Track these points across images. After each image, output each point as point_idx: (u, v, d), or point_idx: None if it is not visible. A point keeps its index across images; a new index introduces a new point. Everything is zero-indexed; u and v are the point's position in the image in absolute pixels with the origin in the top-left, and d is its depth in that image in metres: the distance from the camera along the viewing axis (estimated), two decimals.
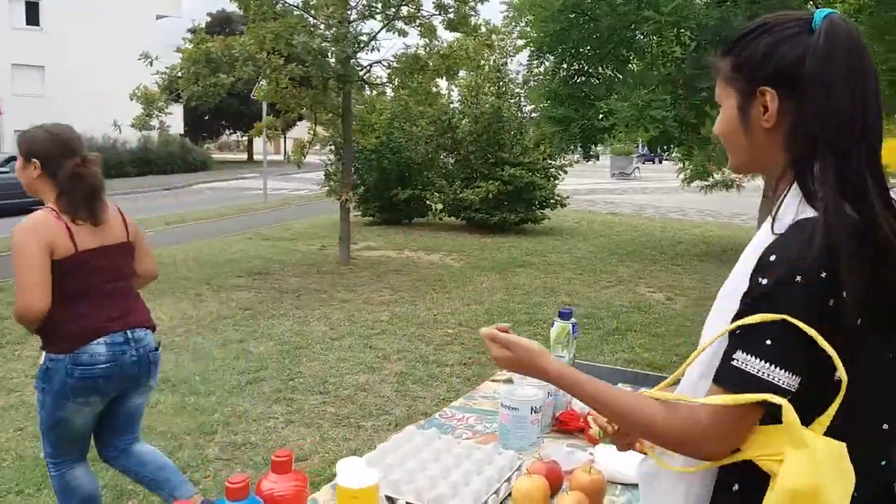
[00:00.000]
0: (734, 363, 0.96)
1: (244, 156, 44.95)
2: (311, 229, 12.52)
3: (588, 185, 25.38)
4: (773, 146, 1.05)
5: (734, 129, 1.09)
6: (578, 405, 1.96)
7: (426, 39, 8.56)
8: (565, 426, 1.93)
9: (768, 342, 0.93)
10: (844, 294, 0.92)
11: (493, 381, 2.35)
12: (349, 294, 7.39)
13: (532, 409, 1.80)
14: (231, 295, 7.29)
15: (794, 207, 0.99)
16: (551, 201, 12.67)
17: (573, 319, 2.19)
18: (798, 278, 0.91)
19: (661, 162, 49.93)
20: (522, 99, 12.86)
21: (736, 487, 1.03)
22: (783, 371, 0.93)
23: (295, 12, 8.01)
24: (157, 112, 7.87)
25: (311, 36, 7.15)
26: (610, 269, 9.07)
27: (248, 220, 14.11)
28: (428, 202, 13.49)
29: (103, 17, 27.35)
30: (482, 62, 10.95)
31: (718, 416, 0.97)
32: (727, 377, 0.96)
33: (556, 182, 12.89)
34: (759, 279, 0.95)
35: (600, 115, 3.79)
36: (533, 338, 4.50)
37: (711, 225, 14.46)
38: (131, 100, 7.84)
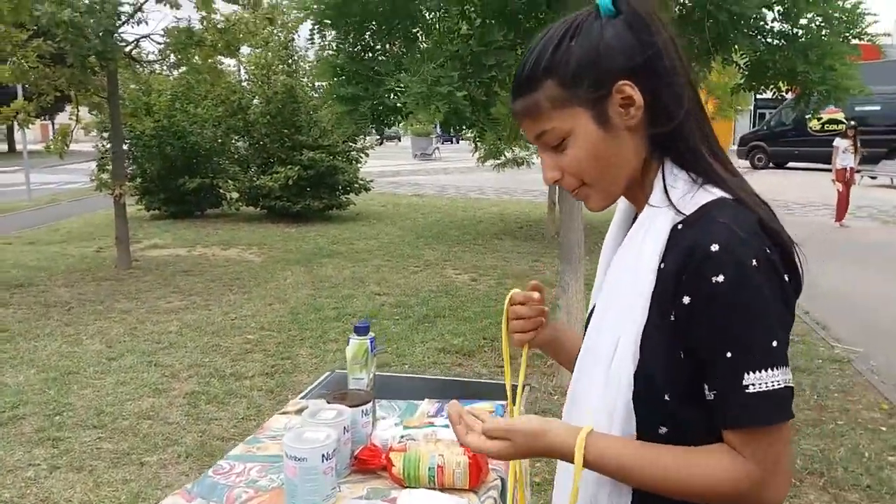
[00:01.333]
0: (750, 390, 0.85)
1: (3, 146, 39.33)
2: (86, 229, 11.09)
3: (392, 166, 25.36)
4: (638, 143, 0.96)
5: (601, 148, 0.95)
6: (379, 438, 1.68)
7: (202, 13, 7.77)
8: (366, 465, 1.64)
9: (774, 344, 0.85)
10: (787, 273, 0.89)
11: (284, 413, 2.00)
12: (131, 303, 6.54)
13: (323, 456, 1.48)
14: None
15: (680, 187, 0.93)
16: (355, 185, 12.32)
17: (371, 334, 1.91)
18: (754, 262, 0.84)
19: (458, 142, 51.53)
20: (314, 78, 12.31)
21: None
22: (787, 366, 0.87)
23: None
24: None
25: (59, 6, 6.11)
26: (417, 254, 8.98)
27: (8, 221, 12.20)
28: (221, 191, 12.53)
29: None
30: (269, 38, 10.27)
31: (767, 455, 0.87)
32: (750, 413, 0.85)
33: (359, 165, 12.56)
34: (713, 277, 0.84)
35: (390, 94, 3.52)
36: (342, 335, 4.12)
37: (507, 202, 15.04)
38: None
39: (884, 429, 3.95)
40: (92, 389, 4.43)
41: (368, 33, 3.89)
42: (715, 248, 0.84)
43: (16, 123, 8.21)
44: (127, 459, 3.54)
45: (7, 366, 4.85)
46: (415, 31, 3.88)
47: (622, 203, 1.08)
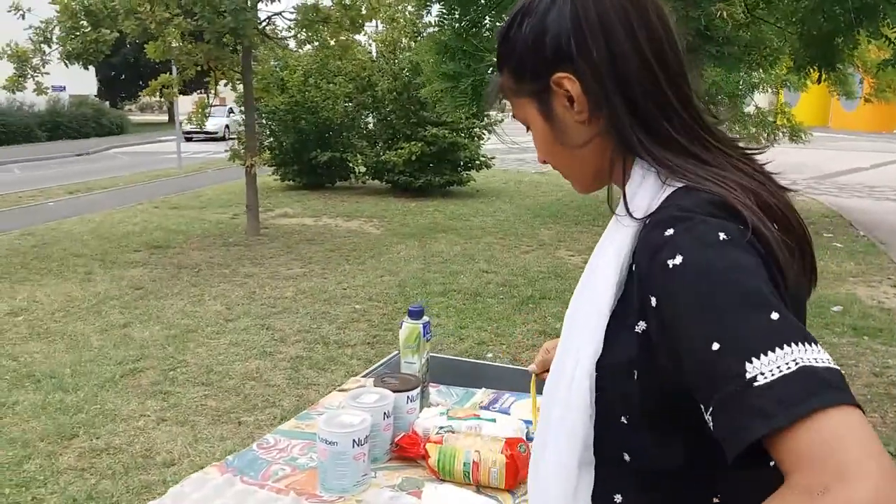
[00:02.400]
0: (759, 381, 0.59)
1: (166, 117, 42.86)
2: (225, 196, 11.85)
3: (522, 143, 25.15)
4: (599, 136, 0.83)
5: (551, 141, 0.86)
6: (421, 427, 1.63)
7: None
8: (405, 452, 1.60)
9: (775, 316, 0.63)
10: (769, 253, 0.71)
11: (342, 390, 2.00)
12: (254, 268, 6.92)
13: (354, 441, 1.45)
14: (124, 272, 6.73)
15: (648, 187, 0.79)
16: (476, 162, 12.31)
17: (425, 318, 1.86)
18: (722, 235, 0.69)
19: None
20: None
21: None
22: (809, 340, 0.62)
23: None
24: (31, 72, 7.09)
25: None
26: (531, 233, 8.83)
27: (159, 187, 13.30)
28: (350, 164, 12.94)
29: None
30: (396, 14, 10.38)
31: (823, 452, 0.56)
32: (771, 410, 0.58)
33: (482, 142, 12.51)
34: (669, 261, 0.69)
35: (490, 70, 3.42)
36: (445, 310, 4.10)
37: None
38: (0, 58, 7.04)
39: None
40: (206, 349, 4.73)
41: (474, 9, 3.79)
42: (670, 231, 0.71)
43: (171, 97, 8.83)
44: (227, 417, 3.75)
45: (137, 321, 5.27)
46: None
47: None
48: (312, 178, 12.72)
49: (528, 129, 0.90)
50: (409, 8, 11.19)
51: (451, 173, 12.11)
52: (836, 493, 0.54)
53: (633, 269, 0.77)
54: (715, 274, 0.66)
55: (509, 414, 1.72)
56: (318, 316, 5.45)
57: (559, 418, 0.83)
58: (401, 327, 1.86)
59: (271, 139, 12.38)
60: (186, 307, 5.63)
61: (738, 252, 0.67)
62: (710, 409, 0.63)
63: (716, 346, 0.63)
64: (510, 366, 3.91)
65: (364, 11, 7.38)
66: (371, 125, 13.07)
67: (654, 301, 0.71)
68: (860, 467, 0.54)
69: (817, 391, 0.58)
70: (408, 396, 1.68)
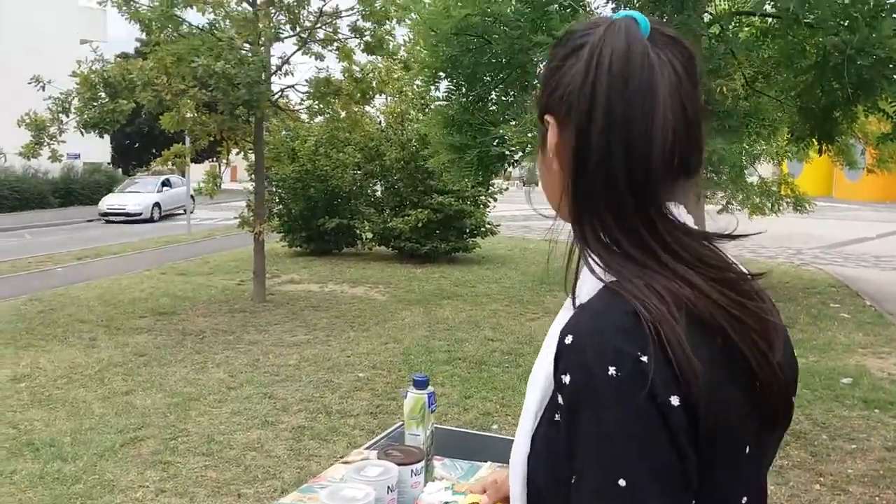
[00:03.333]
0: None
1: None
2: (232, 262, 11.93)
3: (525, 211, 25.38)
4: (565, 188, 0.78)
5: (539, 165, 0.86)
6: (427, 502, 1.60)
7: (344, 63, 8.25)
8: None
9: (621, 483, 0.64)
10: (675, 395, 0.66)
11: (345, 462, 1.97)
12: (259, 335, 6.90)
13: None
14: (129, 339, 6.72)
15: (590, 275, 0.74)
16: (482, 229, 12.43)
17: (430, 388, 1.85)
18: (612, 370, 0.65)
19: None
20: None
21: None
22: None
23: (199, 34, 7.56)
24: (48, 139, 7.28)
25: (214, 59, 6.71)
26: (537, 300, 8.82)
27: (167, 253, 13.41)
28: (357, 231, 13.08)
29: (26, 38, 26.10)
30: (404, 87, 10.69)
31: None
32: None
33: (487, 209, 12.67)
34: (562, 376, 0.69)
35: (496, 142, 3.50)
36: (450, 379, 4.06)
37: None
38: (18, 126, 7.24)
39: None
40: (208, 417, 4.67)
41: (480, 85, 3.91)
42: (568, 339, 0.69)
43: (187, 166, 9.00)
44: (227, 489, 3.67)
45: (140, 389, 5.24)
46: (526, 79, 3.86)
47: None
48: (320, 244, 12.85)
49: None
50: (417, 82, 11.53)
51: (457, 240, 12.22)
52: None
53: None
54: (586, 414, 0.66)
55: None
56: (321, 384, 5.40)
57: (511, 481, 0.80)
58: (405, 397, 1.85)
59: (280, 206, 12.57)
60: (189, 374, 5.60)
61: (619, 395, 0.65)
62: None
63: (574, 479, 0.68)
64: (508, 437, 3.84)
65: (374, 85, 7.61)
66: (379, 193, 13.27)
67: (559, 398, 0.71)
68: None
69: None
70: (412, 470, 1.65)
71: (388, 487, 1.56)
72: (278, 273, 10.61)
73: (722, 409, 0.68)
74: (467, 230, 12.33)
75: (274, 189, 12.43)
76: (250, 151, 8.48)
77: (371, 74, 7.58)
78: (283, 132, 11.99)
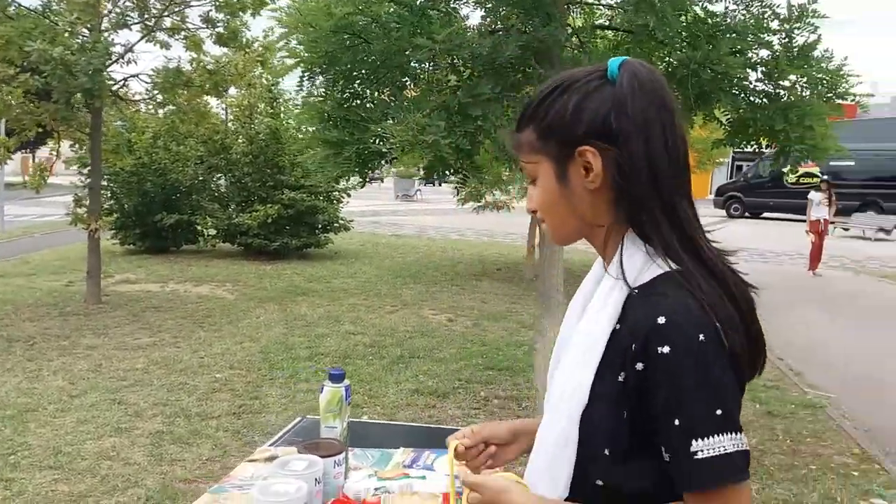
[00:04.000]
0: (698, 456, 0.87)
1: None
2: (57, 262, 10.87)
3: (373, 206, 25.41)
4: (599, 206, 1.00)
5: (555, 198, 1.02)
6: (352, 490, 1.61)
7: (192, 54, 7.81)
8: None
9: (719, 412, 0.88)
10: (731, 346, 0.90)
11: (251, 461, 1.92)
12: (98, 339, 6.38)
13: None
14: None
15: (638, 260, 0.96)
16: (335, 225, 12.30)
17: (346, 381, 1.85)
18: (701, 337, 0.88)
19: (440, 184, 51.88)
20: None
21: None
22: (741, 434, 0.89)
23: (32, 17, 6.82)
24: None
25: (51, 43, 6.09)
26: (394, 293, 8.92)
27: None
28: (199, 227, 12.43)
29: None
30: (254, 80, 10.33)
31: None
32: (701, 478, 0.88)
33: (340, 205, 12.56)
34: (659, 348, 0.89)
35: (375, 139, 3.52)
36: (314, 375, 4.05)
37: (487, 244, 15.08)
38: None
39: (855, 473, 3.94)
40: (50, 428, 4.27)
41: (357, 82, 3.91)
42: (661, 320, 0.89)
43: None
44: (83, 502, 3.40)
45: None
46: (403, 80, 3.91)
47: (599, 259, 1.12)
48: (156, 241, 12.06)
49: (532, 181, 1.05)
50: (266, 75, 11.16)
51: (309, 236, 11.99)
52: None
53: (618, 328, 0.95)
54: (687, 371, 0.88)
55: (434, 470, 1.74)
56: (176, 388, 5.11)
57: (547, 451, 1.01)
58: (321, 392, 1.84)
59: (112, 201, 11.65)
60: (23, 384, 5.07)
61: (708, 353, 0.88)
62: (668, 453, 0.90)
63: (677, 422, 0.88)
64: (423, 425, 3.93)
65: (228, 77, 7.28)
66: (223, 187, 12.69)
67: (640, 366, 0.91)
68: None
69: (734, 471, 0.88)
70: (335, 461, 1.66)
71: (316, 479, 1.56)
72: (111, 273, 9.83)
73: (747, 348, 0.93)
74: (319, 226, 12.14)
75: (105, 183, 11.48)
76: (85, 143, 7.77)
77: (226, 67, 7.23)
78: (118, 122, 11.11)
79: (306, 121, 3.98)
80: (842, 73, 4.13)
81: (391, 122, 3.45)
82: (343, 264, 11.43)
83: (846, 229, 18.77)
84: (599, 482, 0.95)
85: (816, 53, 4.12)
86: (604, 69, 0.98)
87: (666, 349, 0.88)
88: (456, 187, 9.24)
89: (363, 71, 3.79)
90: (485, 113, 3.63)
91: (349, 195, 12.92)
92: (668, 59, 4.33)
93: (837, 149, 4.04)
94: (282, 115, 12.19)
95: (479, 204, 10.66)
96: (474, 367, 5.68)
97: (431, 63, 3.94)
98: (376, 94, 3.95)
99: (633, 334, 0.92)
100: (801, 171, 21.13)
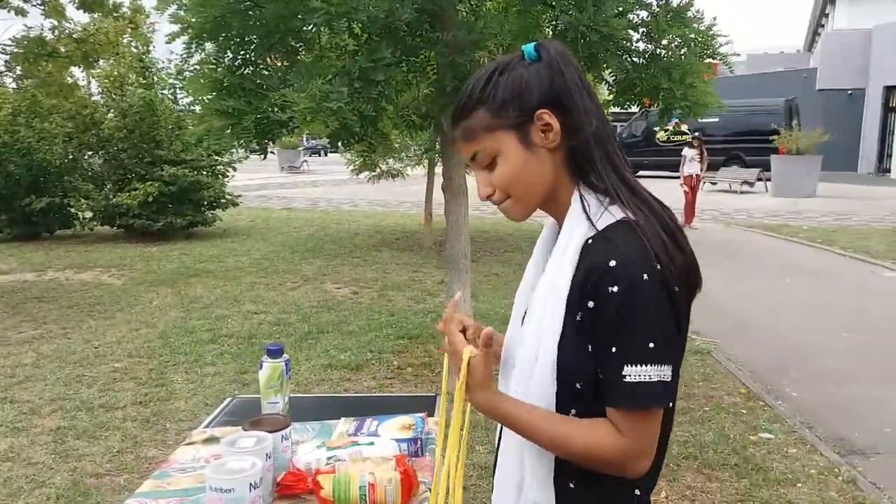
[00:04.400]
0: (627, 380, 1.00)
1: None
2: None
3: (258, 180, 24.67)
4: (556, 165, 1.12)
5: (522, 166, 1.11)
6: (302, 462, 1.63)
7: (52, 21, 7.22)
8: (291, 490, 1.59)
9: (651, 345, 1.00)
10: (675, 285, 1.03)
11: (190, 444, 1.89)
12: None
13: (251, 485, 1.42)
14: None
15: (594, 207, 1.08)
16: (222, 201, 11.84)
17: (285, 356, 1.85)
18: (645, 277, 0.99)
19: (327, 154, 50.94)
20: (178, 91, 11.73)
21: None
22: (668, 366, 1.02)
23: None
24: None
25: None
26: (293, 269, 8.76)
27: None
28: (73, 210, 11.62)
29: None
30: (122, 49, 9.67)
31: (637, 433, 1.03)
32: (626, 398, 1.01)
33: (226, 180, 12.09)
34: (609, 287, 1.00)
35: (275, 108, 3.43)
36: (221, 357, 3.98)
37: (382, 214, 15.02)
38: None
39: (744, 411, 4.33)
40: None
41: (250, 47, 3.77)
42: (613, 263, 1.01)
43: None
44: None
45: None
46: (297, 45, 3.80)
47: (548, 221, 1.24)
48: (26, 227, 11.19)
49: (488, 165, 1.14)
50: (137, 43, 10.49)
51: (195, 213, 11.50)
52: (633, 456, 1.04)
53: (576, 273, 1.06)
54: (631, 308, 1.00)
55: (379, 436, 1.78)
56: (72, 381, 4.84)
57: (524, 383, 1.11)
58: (260, 368, 1.82)
59: None
60: None
61: (652, 292, 1.00)
62: (603, 375, 1.04)
63: (614, 349, 1.02)
64: (358, 395, 3.92)
65: (99, 46, 6.79)
66: (97, 166, 11.89)
67: (591, 304, 1.03)
68: (649, 447, 1.05)
69: (654, 398, 1.01)
70: (282, 436, 1.67)
71: (267, 455, 1.56)
72: None
73: (684, 292, 1.06)
74: (205, 202, 11.65)
75: None
76: None
77: (95, 35, 6.74)
78: None
79: (197, 91, 3.80)
80: (712, 33, 4.43)
81: (291, 89, 3.36)
82: (235, 242, 11.08)
83: (714, 183, 20.14)
84: (573, 412, 1.08)
85: (690, 14, 4.40)
86: (521, 55, 1.12)
87: (615, 288, 1.00)
88: (350, 153, 9.13)
89: (254, 36, 3.65)
90: (387, 77, 3.62)
91: (235, 169, 12.48)
92: (556, 22, 4.47)
93: (718, 104, 4.34)
94: (156, 85, 11.53)
95: (373, 173, 10.59)
96: (385, 337, 5.72)
97: (328, 27, 3.86)
98: (268, 60, 3.83)
99: (588, 277, 1.03)
100: (671, 129, 22.45)
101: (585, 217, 1.07)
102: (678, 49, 4.37)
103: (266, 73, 3.77)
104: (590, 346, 1.04)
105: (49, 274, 8.64)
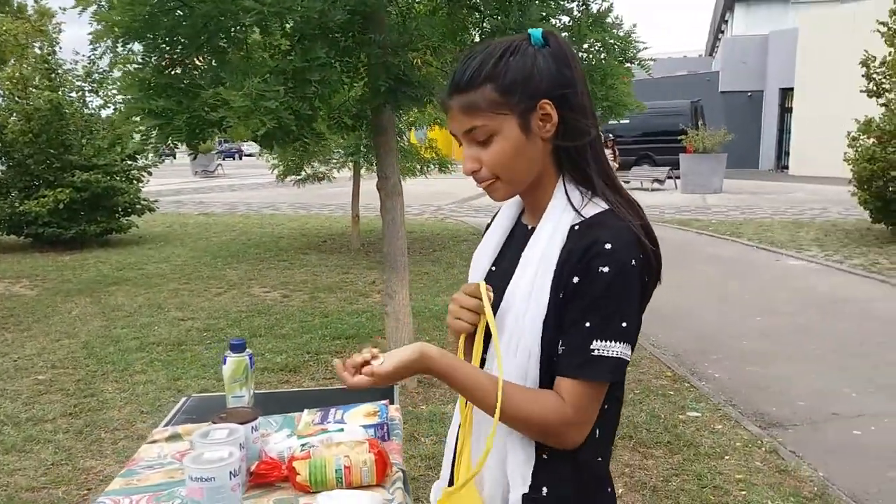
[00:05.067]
0: (594, 353, 1.06)
1: None
2: None
3: (172, 185, 23.85)
4: (546, 153, 1.16)
5: (518, 150, 1.13)
6: (275, 451, 1.66)
7: None
8: (265, 478, 1.62)
9: (623, 325, 1.07)
10: (646, 275, 1.12)
11: (153, 442, 1.88)
12: None
13: (231, 473, 1.44)
14: None
15: (577, 197, 1.15)
16: (137, 206, 11.42)
17: (249, 350, 1.87)
18: (633, 262, 1.07)
19: (241, 158, 49.73)
20: (87, 93, 11.22)
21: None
22: (629, 347, 1.09)
23: None
24: None
25: None
26: (218, 274, 8.57)
27: None
28: None
29: None
30: (27, 51, 9.20)
31: (582, 404, 1.08)
32: (587, 369, 1.07)
33: (141, 185, 11.67)
34: (600, 267, 1.06)
35: (207, 108, 3.40)
36: (151, 365, 3.92)
37: (305, 217, 14.85)
38: None
39: (671, 392, 4.59)
40: None
41: (179, 47, 3.70)
42: (608, 246, 1.07)
43: None
44: None
45: None
46: (225, 45, 3.76)
47: (506, 207, 1.31)
48: None
49: (483, 140, 1.13)
50: (46, 43, 9.98)
51: (109, 220, 11.05)
52: (574, 425, 1.09)
53: (561, 256, 1.11)
54: (616, 289, 1.07)
55: (346, 423, 1.83)
56: None
57: (511, 360, 1.14)
58: (224, 363, 1.84)
59: None
60: None
61: (634, 277, 1.08)
62: (565, 346, 1.09)
63: (588, 324, 1.08)
64: (320, 388, 3.89)
65: (8, 49, 6.45)
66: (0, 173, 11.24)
67: (575, 279, 1.08)
68: (589, 418, 1.11)
69: (612, 373, 1.08)
70: (252, 427, 1.69)
71: (240, 445, 1.59)
72: None
73: (653, 279, 1.16)
74: (120, 208, 11.22)
75: None
76: None
77: (4, 37, 6.40)
78: None
79: (125, 89, 3.71)
80: (630, 39, 4.67)
81: (224, 88, 3.34)
82: (152, 249, 10.73)
83: (627, 182, 20.95)
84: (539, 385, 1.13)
85: (609, 20, 4.62)
86: (527, 36, 1.13)
87: (606, 269, 1.06)
88: (270, 157, 8.98)
89: (180, 37, 3.59)
90: (322, 77, 3.64)
91: (150, 173, 12.07)
92: (483, 24, 4.60)
93: (637, 104, 4.58)
94: (63, 88, 10.99)
95: (299, 177, 10.46)
96: (320, 338, 5.71)
97: (260, 27, 3.84)
98: (197, 60, 3.78)
99: (573, 256, 1.08)
100: None
101: (571, 207, 1.13)
102: (598, 53, 4.59)
103: (196, 72, 3.71)
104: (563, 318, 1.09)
105: None
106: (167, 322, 6.37)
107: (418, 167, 10.49)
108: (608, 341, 1.06)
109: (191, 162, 30.08)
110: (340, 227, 12.63)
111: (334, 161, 10.49)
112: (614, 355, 1.06)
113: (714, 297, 7.31)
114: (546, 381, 1.12)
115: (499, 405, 1.07)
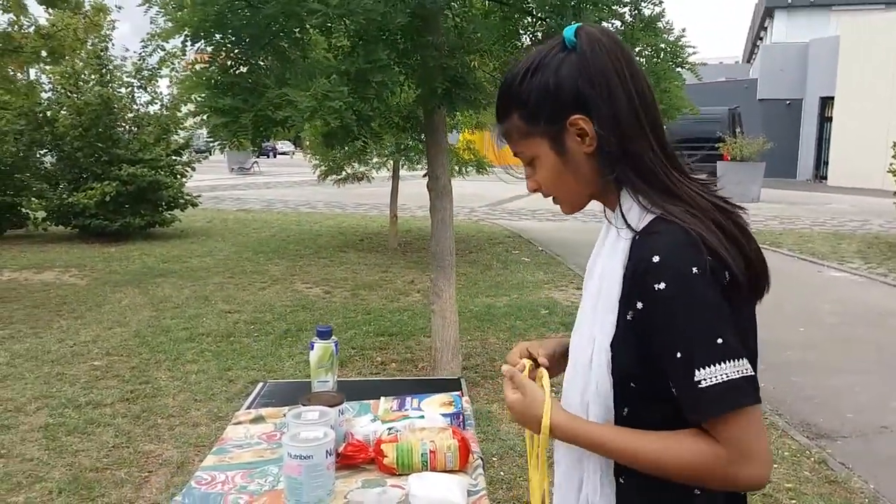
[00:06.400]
0: (702, 385, 0.93)
1: None
2: None
3: (209, 181, 24.24)
4: (594, 167, 1.07)
5: (559, 171, 1.09)
6: (361, 434, 1.74)
7: (12, 15, 7.07)
8: (352, 460, 1.70)
9: (719, 341, 0.93)
10: (729, 271, 0.97)
11: (238, 423, 1.97)
12: None
13: (327, 452, 1.53)
14: None
15: (635, 208, 1.04)
16: (181, 201, 11.68)
17: (334, 338, 1.96)
18: (694, 270, 0.94)
19: (275, 156, 50.34)
20: (136, 89, 11.51)
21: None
22: (745, 359, 0.95)
23: None
24: None
25: None
26: (260, 269, 8.74)
27: None
28: (24, 210, 11.31)
29: None
30: (76, 46, 9.47)
31: (731, 437, 0.94)
32: (707, 406, 0.94)
33: (185, 180, 11.94)
34: (655, 285, 0.95)
35: (272, 107, 3.51)
36: (201, 355, 4.07)
37: (341, 216, 15.03)
38: None
39: None
40: None
41: (245, 47, 3.83)
42: (656, 259, 0.96)
43: None
44: None
45: None
46: (287, 46, 3.87)
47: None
48: None
49: (529, 162, 1.12)
50: (91, 40, 10.26)
51: (153, 214, 11.32)
52: (741, 466, 0.94)
53: (625, 272, 1.02)
54: (683, 304, 0.94)
55: (424, 411, 1.90)
56: (53, 379, 4.79)
57: (579, 389, 1.08)
58: (311, 349, 1.92)
59: None
60: None
61: (703, 285, 0.94)
62: (675, 388, 0.97)
63: (679, 355, 0.95)
64: (390, 378, 3.97)
65: (67, 42, 6.67)
66: (49, 165, 11.58)
67: (639, 304, 0.99)
68: (755, 449, 0.94)
69: (739, 396, 0.93)
70: (339, 410, 1.78)
71: (331, 426, 1.67)
72: None
73: (743, 283, 1.00)
74: (164, 203, 11.48)
75: None
76: None
77: (63, 31, 6.62)
78: None
79: (191, 89, 3.85)
80: (680, 43, 4.69)
81: (290, 88, 3.45)
82: (195, 243, 10.95)
83: None
84: (626, 411, 1.04)
85: (660, 25, 4.65)
86: (561, 40, 1.05)
87: (661, 285, 0.94)
88: (308, 155, 9.09)
89: (252, 36, 3.71)
90: (384, 79, 3.74)
91: (193, 169, 12.35)
92: (534, 28, 4.66)
93: (690, 108, 4.60)
94: (113, 83, 11.29)
95: (339, 177, 10.62)
96: (364, 334, 5.80)
97: (324, 28, 3.95)
98: (260, 60, 3.90)
99: (634, 275, 0.99)
100: None
101: (623, 220, 1.04)
102: (651, 57, 4.62)
103: (261, 72, 3.83)
104: (637, 348, 1.00)
105: (6, 274, 8.42)
106: (215, 314, 6.52)
107: (456, 168, 10.55)
108: (711, 366, 0.92)
109: (227, 159, 30.56)
110: (376, 226, 12.76)
111: (374, 161, 10.62)
112: (723, 380, 0.92)
113: (759, 308, 7.24)
114: (619, 406, 1.04)
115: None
